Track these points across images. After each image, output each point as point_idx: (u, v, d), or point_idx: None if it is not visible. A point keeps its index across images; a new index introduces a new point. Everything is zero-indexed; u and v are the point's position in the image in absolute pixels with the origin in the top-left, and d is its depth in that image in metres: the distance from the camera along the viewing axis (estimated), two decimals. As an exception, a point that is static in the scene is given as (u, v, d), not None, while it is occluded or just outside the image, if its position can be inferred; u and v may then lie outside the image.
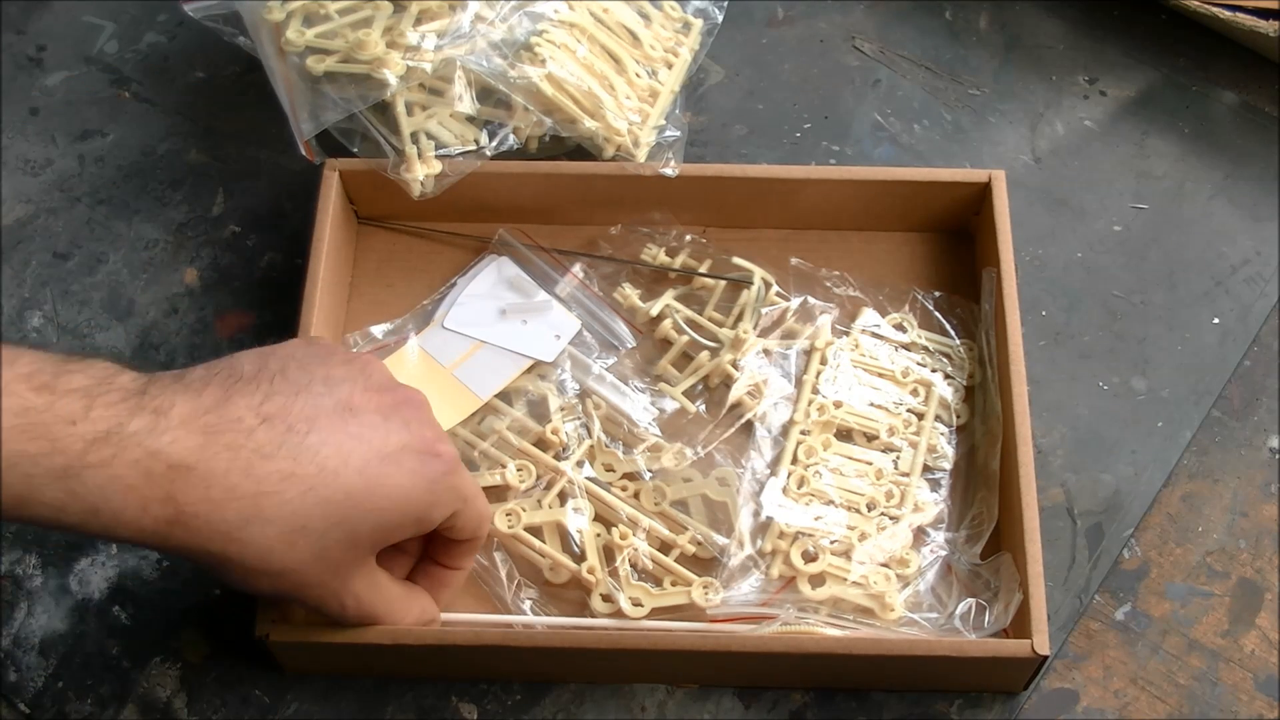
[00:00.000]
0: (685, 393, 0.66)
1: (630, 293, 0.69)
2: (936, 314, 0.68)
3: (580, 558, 0.62)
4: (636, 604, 0.60)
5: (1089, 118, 0.77)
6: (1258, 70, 0.78)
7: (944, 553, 0.62)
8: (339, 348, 0.54)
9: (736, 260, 0.69)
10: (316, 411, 0.49)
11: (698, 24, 0.77)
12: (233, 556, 0.48)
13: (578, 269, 0.69)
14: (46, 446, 0.44)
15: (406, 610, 0.56)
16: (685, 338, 0.67)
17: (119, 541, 0.48)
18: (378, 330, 0.68)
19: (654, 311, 0.68)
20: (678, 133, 0.71)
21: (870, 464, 0.64)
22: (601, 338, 0.68)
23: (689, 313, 0.68)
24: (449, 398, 0.65)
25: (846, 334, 0.68)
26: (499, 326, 0.67)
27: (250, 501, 0.47)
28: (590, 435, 0.65)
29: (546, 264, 0.70)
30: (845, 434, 0.65)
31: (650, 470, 0.64)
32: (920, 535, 0.62)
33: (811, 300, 0.68)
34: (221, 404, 0.47)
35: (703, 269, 0.69)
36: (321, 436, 0.49)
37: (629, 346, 0.68)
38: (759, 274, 0.68)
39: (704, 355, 0.67)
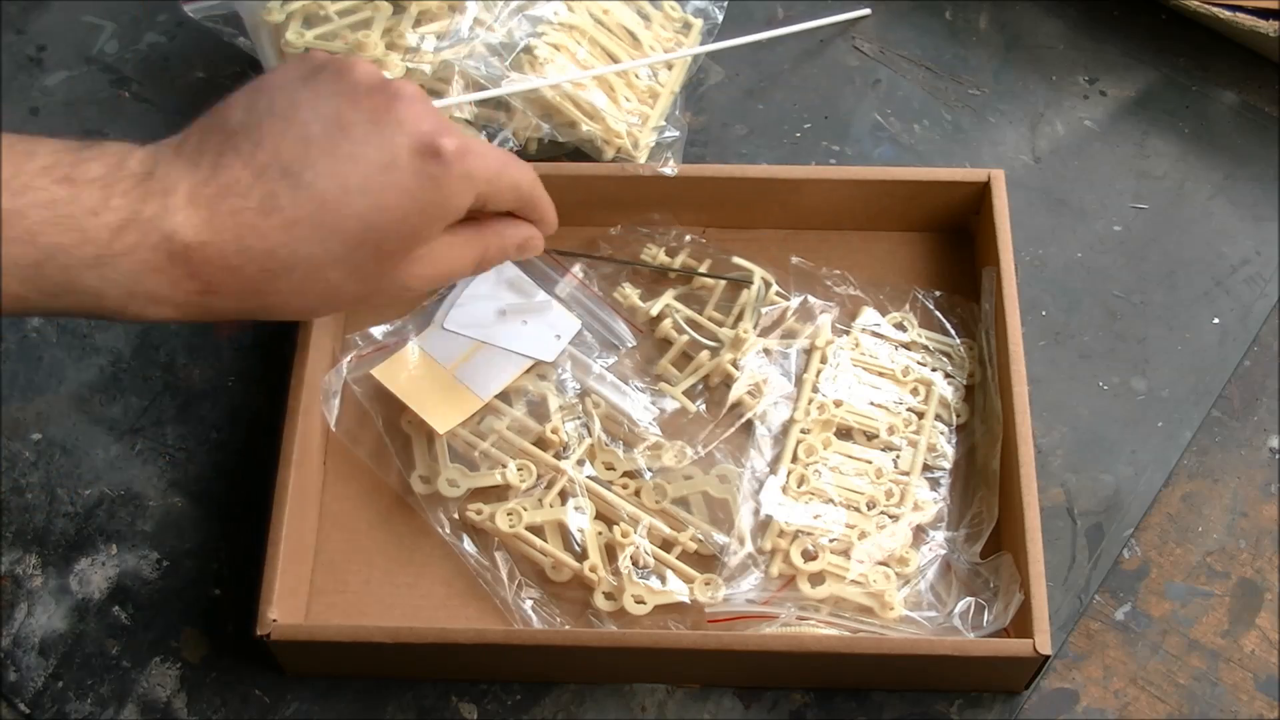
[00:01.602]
0: (685, 392, 0.66)
1: (630, 292, 0.69)
2: (937, 313, 0.68)
3: (582, 556, 0.62)
4: (639, 601, 0.60)
5: (1089, 118, 0.77)
6: (1258, 70, 0.78)
7: (944, 552, 0.62)
8: (328, 57, 0.53)
9: (736, 260, 0.69)
10: (307, 144, 0.49)
11: (698, 24, 0.77)
12: (274, 307, 0.51)
13: (578, 269, 0.69)
14: (77, 238, 0.45)
15: (471, 255, 0.56)
16: (685, 337, 0.67)
17: (167, 322, 0.50)
18: (377, 331, 0.68)
19: (654, 311, 0.68)
20: (677, 133, 0.71)
21: (870, 463, 0.64)
22: (601, 337, 0.68)
23: (689, 312, 0.68)
24: (450, 398, 0.65)
25: (847, 333, 0.68)
26: (499, 327, 0.67)
27: (266, 258, 0.48)
28: (590, 434, 0.65)
29: (546, 264, 0.70)
30: (845, 433, 0.65)
31: (651, 470, 0.64)
32: (920, 534, 0.62)
33: (812, 299, 0.68)
34: (217, 168, 0.48)
35: (703, 269, 0.69)
36: (316, 170, 0.49)
37: (629, 346, 0.68)
38: (759, 274, 0.68)
39: (704, 355, 0.67)
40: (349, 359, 0.66)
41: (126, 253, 0.46)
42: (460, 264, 0.55)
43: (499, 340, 0.67)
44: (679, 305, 0.68)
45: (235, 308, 0.50)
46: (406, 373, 0.65)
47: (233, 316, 0.50)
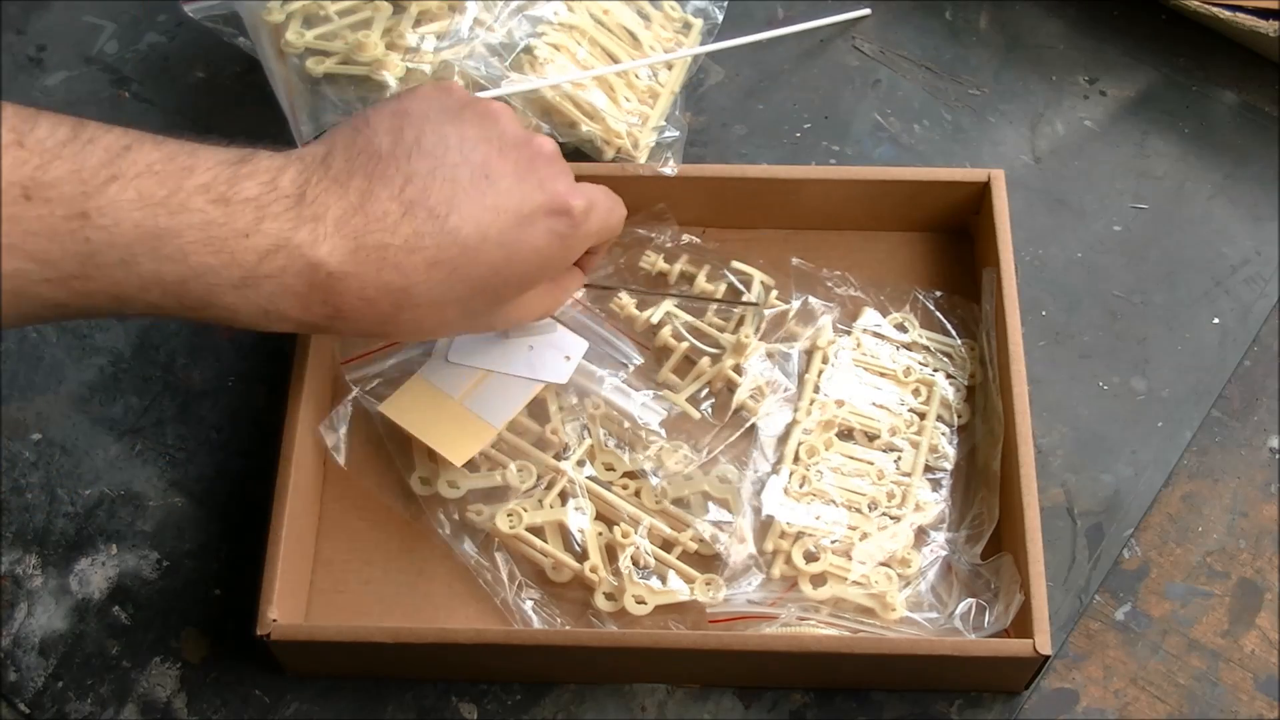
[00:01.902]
0: (688, 399, 0.66)
1: (627, 301, 0.68)
2: (937, 314, 0.68)
3: (582, 557, 0.62)
4: (640, 601, 0.60)
5: (1089, 118, 0.77)
6: (1258, 70, 0.78)
7: (945, 553, 0.62)
8: (469, 96, 0.55)
9: (736, 264, 0.69)
10: (455, 188, 0.51)
11: (698, 24, 0.77)
12: (390, 333, 0.56)
13: (579, 292, 0.69)
14: (227, 260, 0.46)
15: (555, 303, 0.61)
16: (685, 344, 0.67)
17: (279, 332, 0.51)
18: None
19: (654, 319, 0.68)
20: (677, 133, 0.71)
21: (871, 464, 0.64)
22: (606, 356, 0.67)
23: (689, 318, 0.68)
24: (462, 429, 0.63)
25: (848, 334, 0.68)
26: (505, 354, 0.66)
27: (400, 294, 0.50)
28: (590, 435, 0.65)
29: None
30: (847, 433, 0.65)
31: (654, 474, 0.63)
32: (921, 535, 0.62)
33: (813, 300, 0.68)
34: (366, 199, 0.49)
35: (702, 275, 0.69)
36: (461, 216, 0.51)
37: (636, 363, 0.67)
38: (759, 277, 0.68)
39: (705, 361, 0.67)
40: (350, 399, 0.64)
41: (272, 276, 0.47)
42: (549, 307, 0.60)
43: (507, 367, 0.65)
44: (679, 312, 0.68)
45: (352, 330, 0.51)
46: (415, 406, 0.64)
47: (344, 336, 0.54)
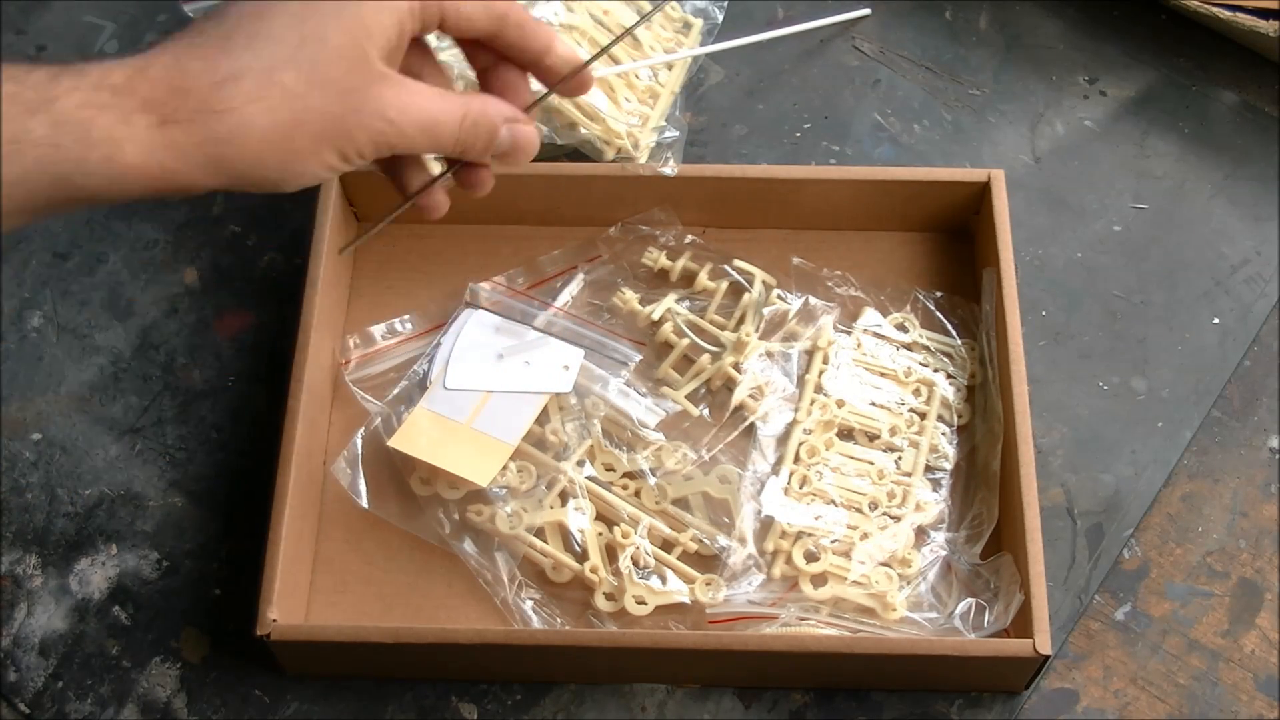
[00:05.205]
0: (687, 397, 0.66)
1: (630, 297, 0.68)
2: (938, 314, 0.68)
3: (582, 557, 0.62)
4: (640, 602, 0.60)
5: (1089, 118, 0.77)
6: (1258, 70, 0.78)
7: (944, 553, 0.62)
8: None
9: (738, 262, 0.69)
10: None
11: (698, 24, 0.77)
12: (240, 129, 0.46)
13: (568, 291, 0.69)
14: (15, 87, 0.44)
15: (455, 106, 0.50)
16: (686, 341, 0.67)
17: (136, 179, 0.46)
18: (377, 331, 0.68)
19: (655, 315, 0.68)
20: (677, 133, 0.71)
21: (872, 464, 0.64)
22: (605, 359, 0.67)
23: (690, 316, 0.68)
24: (478, 450, 0.63)
25: (848, 334, 0.68)
26: (503, 373, 0.66)
27: (208, 71, 0.46)
28: (590, 435, 0.65)
29: (520, 302, 0.69)
30: (847, 433, 0.65)
31: (654, 473, 0.63)
32: (921, 535, 0.62)
33: (813, 300, 0.68)
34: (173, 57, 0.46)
35: (704, 273, 0.69)
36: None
37: (636, 361, 0.67)
38: (760, 275, 0.68)
39: (705, 359, 0.67)
40: (358, 437, 0.64)
41: (67, 93, 0.44)
42: (443, 112, 0.50)
43: (507, 385, 0.65)
44: (680, 309, 0.68)
45: (204, 138, 0.46)
46: (424, 436, 0.63)
47: (215, 165, 0.47)
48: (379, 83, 0.49)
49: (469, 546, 0.62)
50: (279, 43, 0.47)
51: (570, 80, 0.54)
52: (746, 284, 0.68)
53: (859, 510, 0.62)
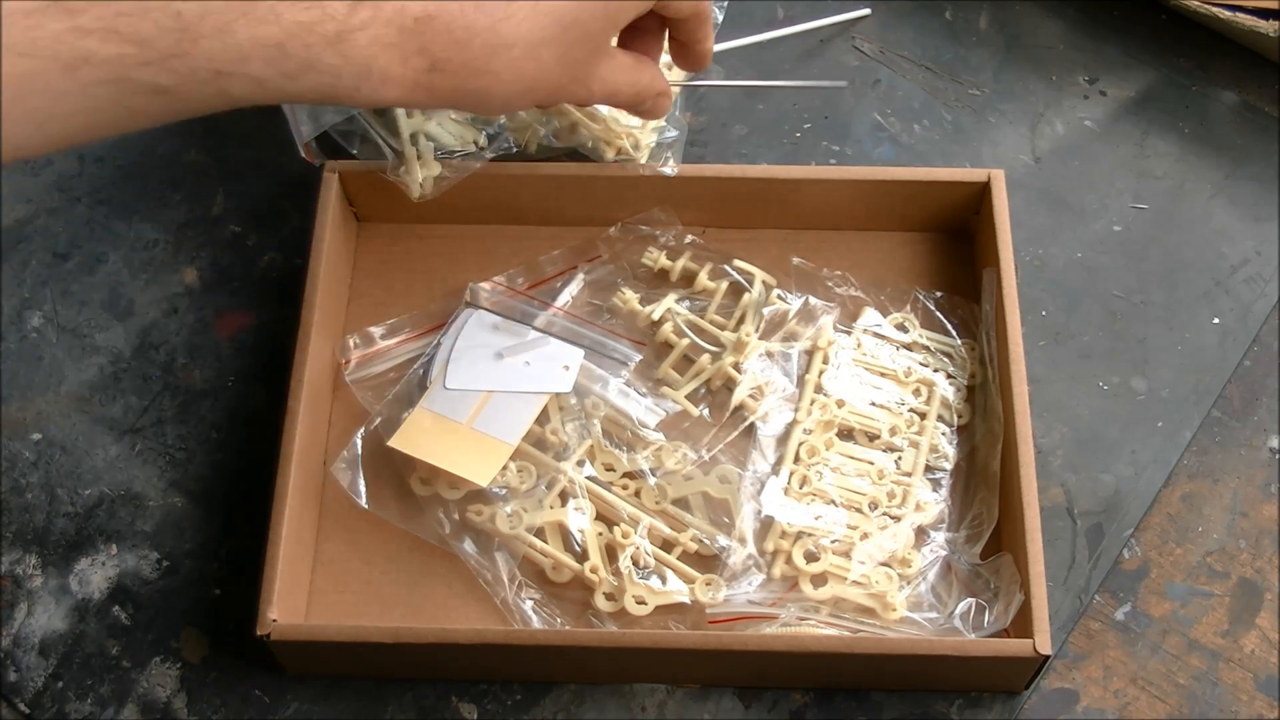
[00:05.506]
0: (687, 397, 0.66)
1: (630, 296, 0.68)
2: (938, 314, 0.68)
3: (582, 557, 0.62)
4: (640, 602, 0.60)
5: (1089, 118, 0.77)
6: (1258, 70, 0.78)
7: (944, 553, 0.62)
8: None
9: (738, 262, 0.69)
10: None
11: (698, 24, 0.77)
12: (490, 88, 0.52)
13: (568, 291, 0.69)
14: (318, 15, 0.47)
15: (633, 80, 0.58)
16: (686, 340, 0.67)
17: (388, 105, 0.51)
18: (377, 331, 0.68)
19: (655, 315, 0.68)
20: (677, 133, 0.71)
21: (872, 464, 0.64)
22: (606, 358, 0.67)
23: (690, 315, 0.68)
24: (478, 450, 0.63)
25: (848, 334, 0.68)
26: (503, 373, 0.66)
27: (490, 33, 0.50)
28: (590, 435, 0.65)
29: (520, 302, 0.69)
30: (847, 433, 0.65)
31: (653, 473, 0.63)
32: (921, 535, 0.62)
33: (813, 300, 0.68)
34: None
35: (704, 273, 0.69)
36: None
37: (636, 361, 0.67)
38: (760, 275, 0.68)
39: (705, 358, 0.67)
40: (357, 437, 0.64)
41: (362, 27, 0.47)
42: (625, 84, 0.58)
43: (507, 385, 0.65)
44: (680, 309, 0.68)
45: (455, 89, 0.51)
46: (424, 436, 0.63)
47: (451, 103, 0.52)
48: (601, 60, 0.56)
49: (469, 546, 0.62)
50: (550, 17, 0.52)
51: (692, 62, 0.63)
52: (746, 284, 0.68)
53: (859, 510, 0.62)
